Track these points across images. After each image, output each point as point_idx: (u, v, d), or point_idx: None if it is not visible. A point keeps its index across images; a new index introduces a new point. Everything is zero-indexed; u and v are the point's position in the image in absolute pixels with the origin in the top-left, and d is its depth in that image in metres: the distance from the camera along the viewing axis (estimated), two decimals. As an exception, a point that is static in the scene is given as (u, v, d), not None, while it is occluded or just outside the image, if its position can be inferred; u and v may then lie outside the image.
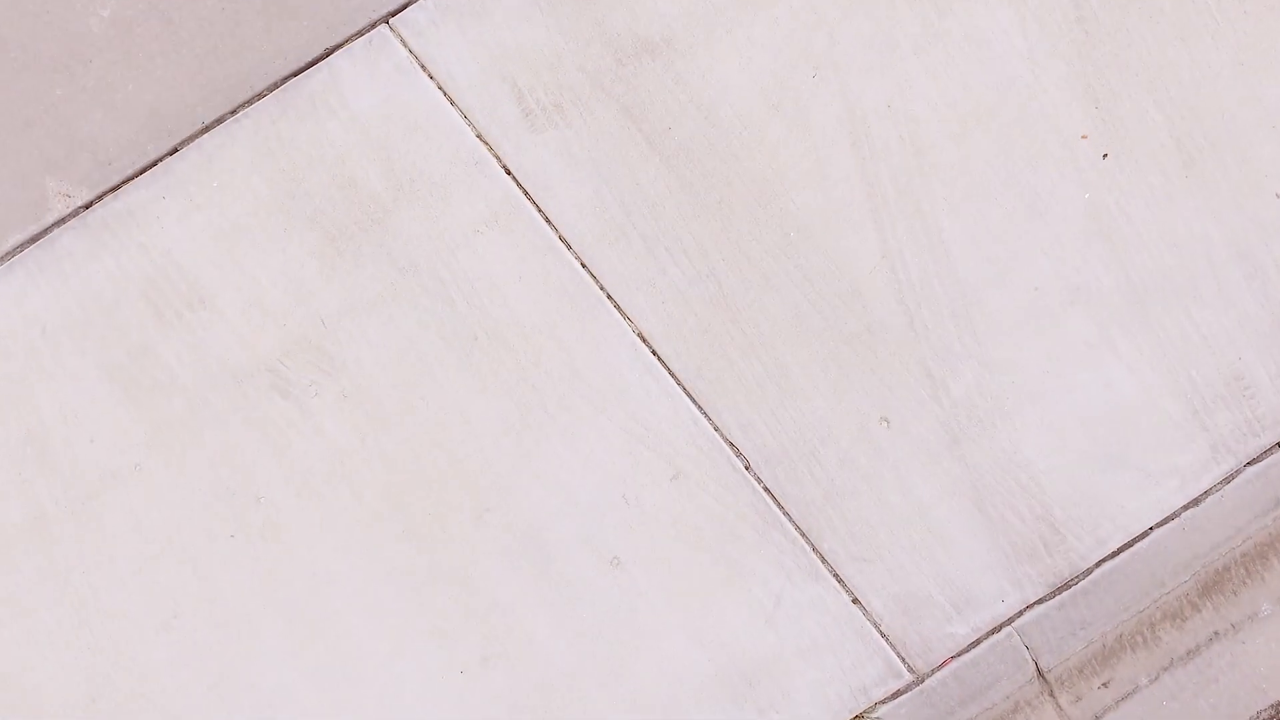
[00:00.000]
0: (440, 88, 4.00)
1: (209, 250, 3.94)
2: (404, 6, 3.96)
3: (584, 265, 3.95)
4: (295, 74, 3.98)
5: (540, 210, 3.97)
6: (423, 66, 4.00)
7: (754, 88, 4.00)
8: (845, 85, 4.01)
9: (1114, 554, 3.92)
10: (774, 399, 3.93)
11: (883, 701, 3.87)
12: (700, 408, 3.92)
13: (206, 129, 3.96)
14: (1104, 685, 3.90)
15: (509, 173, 3.98)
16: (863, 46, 4.01)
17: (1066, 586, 3.92)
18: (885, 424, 3.92)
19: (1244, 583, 3.92)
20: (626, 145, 3.98)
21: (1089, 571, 3.92)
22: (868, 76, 3.99)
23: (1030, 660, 3.90)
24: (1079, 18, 3.96)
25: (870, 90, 3.99)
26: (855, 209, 3.96)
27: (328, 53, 3.99)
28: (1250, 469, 3.92)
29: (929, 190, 3.97)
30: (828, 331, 3.94)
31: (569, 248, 3.96)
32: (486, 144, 3.99)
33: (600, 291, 3.95)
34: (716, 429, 3.92)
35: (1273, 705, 3.89)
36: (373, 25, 4.00)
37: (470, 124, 3.98)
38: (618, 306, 3.95)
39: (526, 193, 3.97)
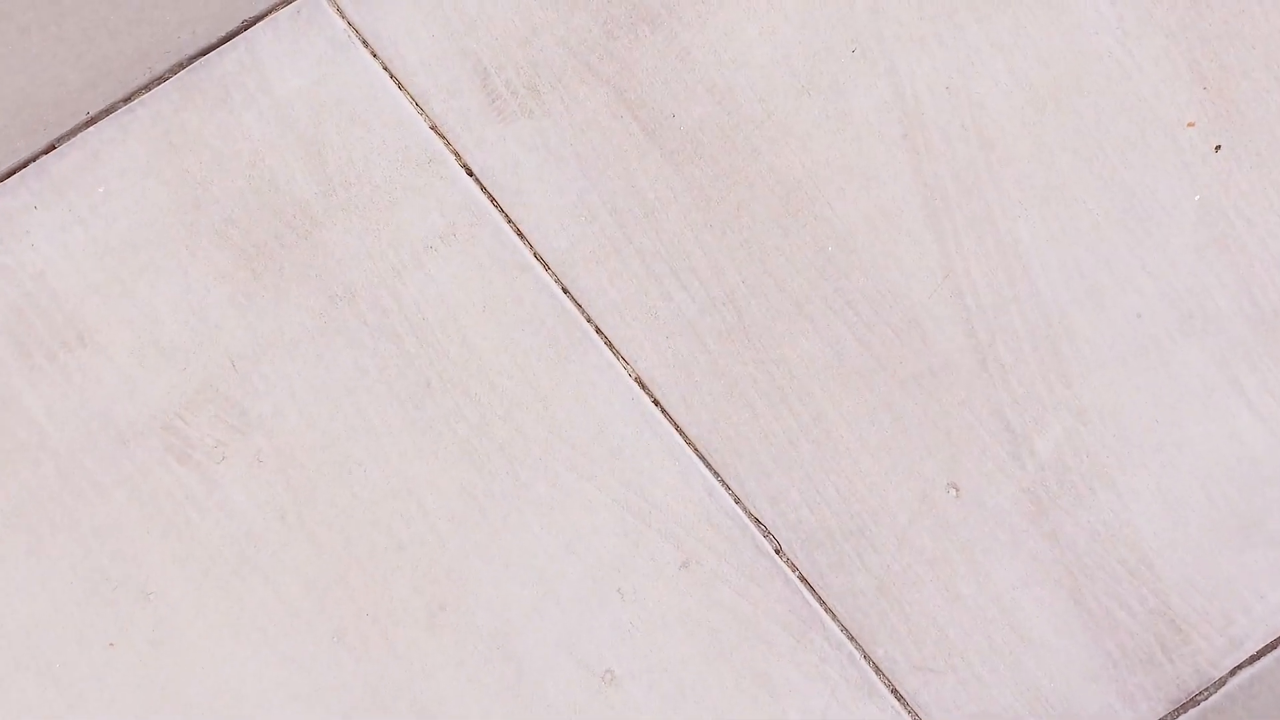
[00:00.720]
0: (385, 67, 3.92)
1: (91, 273, 3.84)
2: (339, -35, 3.99)
3: (565, 290, 3.85)
4: (204, 52, 3.90)
5: (510, 220, 3.87)
6: (364, 41, 3.94)
7: (779, 65, 3.93)
8: (893, 62, 3.95)
9: (1252, 659, 3.76)
10: (810, 462, 3.81)
11: None
12: (716, 473, 3.79)
13: (92, 121, 3.89)
14: (1245, 832, 3.91)
15: (470, 173, 3.89)
16: (914, 14, 3.95)
17: (1194, 702, 3.75)
18: (954, 492, 3.80)
19: None
20: (619, 137, 3.92)
21: (1222, 682, 3.75)
22: (921, 51, 3.92)
23: (1147, 800, 3.85)
24: (1182, -23, 3.99)
25: (924, 68, 3.92)
26: (909, 216, 3.89)
27: (246, 25, 3.92)
28: None
29: (1000, 192, 3.89)
30: (878, 374, 3.84)
31: (546, 267, 3.86)
32: (443, 137, 3.90)
33: (587, 323, 3.84)
34: (737, 501, 3.79)
35: None
36: (301, -11, 3.99)
37: (423, 112, 3.91)
38: (609, 342, 3.84)
39: (493, 198, 3.87)
